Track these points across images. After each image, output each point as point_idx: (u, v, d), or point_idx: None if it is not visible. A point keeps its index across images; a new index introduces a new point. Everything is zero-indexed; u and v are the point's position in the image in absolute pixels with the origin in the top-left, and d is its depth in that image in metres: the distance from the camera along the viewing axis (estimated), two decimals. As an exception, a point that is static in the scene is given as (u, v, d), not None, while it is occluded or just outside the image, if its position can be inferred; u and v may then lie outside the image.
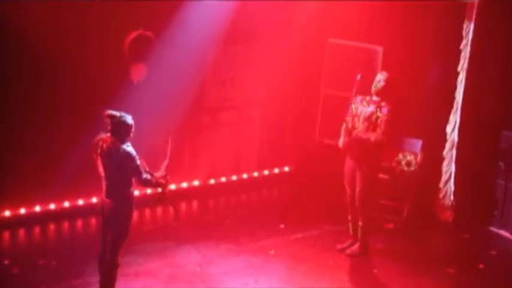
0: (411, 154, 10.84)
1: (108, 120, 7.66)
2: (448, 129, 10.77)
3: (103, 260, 7.87)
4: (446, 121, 10.77)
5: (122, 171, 7.67)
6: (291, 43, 11.29)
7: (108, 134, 7.68)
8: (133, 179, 7.73)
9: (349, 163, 9.52)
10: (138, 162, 7.63)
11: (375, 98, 9.23)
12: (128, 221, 7.81)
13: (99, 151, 7.70)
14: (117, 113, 7.65)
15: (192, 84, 10.81)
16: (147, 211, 10.75)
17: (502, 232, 10.65)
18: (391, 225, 10.62)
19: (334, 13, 11.10)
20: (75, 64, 9.67)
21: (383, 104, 9.15)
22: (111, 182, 7.73)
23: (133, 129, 7.72)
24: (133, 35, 10.07)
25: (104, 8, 9.72)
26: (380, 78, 9.25)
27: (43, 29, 9.34)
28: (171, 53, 10.34)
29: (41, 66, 9.57)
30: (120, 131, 7.67)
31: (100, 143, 7.70)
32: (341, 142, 9.35)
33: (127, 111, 7.77)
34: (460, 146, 10.71)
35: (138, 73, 10.23)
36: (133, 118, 7.75)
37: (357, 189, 9.44)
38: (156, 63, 10.28)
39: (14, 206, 10.00)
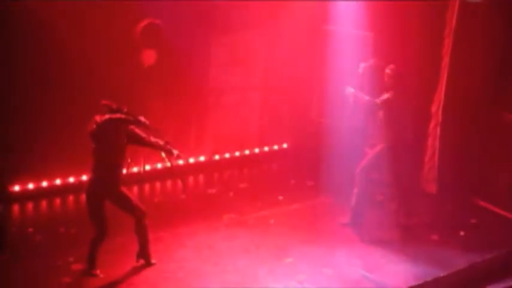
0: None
1: (106, 109, 8.02)
2: (433, 108, 10.91)
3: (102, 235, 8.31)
4: (431, 101, 10.92)
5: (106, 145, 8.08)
6: (288, 30, 11.45)
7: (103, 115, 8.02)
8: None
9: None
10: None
11: None
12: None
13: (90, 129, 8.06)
14: (113, 104, 8.03)
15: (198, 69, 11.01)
16: (158, 184, 10.96)
17: (481, 203, 10.84)
18: (381, 197, 10.69)
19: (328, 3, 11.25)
20: (92, 52, 9.87)
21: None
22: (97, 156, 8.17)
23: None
24: (143, 23, 10.28)
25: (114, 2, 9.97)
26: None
27: (59, 23, 9.60)
28: (178, 40, 10.54)
29: (62, 55, 9.76)
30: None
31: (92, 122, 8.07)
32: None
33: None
34: (444, 124, 10.81)
35: (149, 58, 10.43)
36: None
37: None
38: (164, 50, 10.47)
39: (37, 179, 10.24)
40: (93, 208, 8.25)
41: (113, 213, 8.39)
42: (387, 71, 9.53)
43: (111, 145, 8.13)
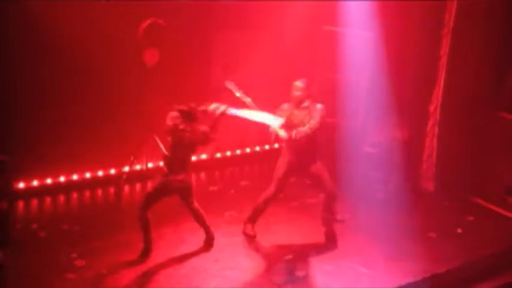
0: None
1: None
2: (431, 108, 10.91)
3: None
4: (429, 100, 10.92)
5: None
6: (289, 30, 11.44)
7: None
8: None
9: None
10: None
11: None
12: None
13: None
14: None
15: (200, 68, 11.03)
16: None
17: (478, 200, 10.91)
18: (380, 194, 10.71)
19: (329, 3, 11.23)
20: (93, 51, 9.82)
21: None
22: None
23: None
24: (146, 22, 10.23)
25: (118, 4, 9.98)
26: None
27: (60, 24, 9.54)
28: (180, 39, 10.57)
29: (63, 54, 9.71)
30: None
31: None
32: None
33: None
34: (442, 123, 10.85)
35: (151, 58, 10.38)
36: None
37: None
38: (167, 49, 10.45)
39: (41, 177, 10.22)
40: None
41: (116, 210, 8.33)
42: (297, 84, 9.37)
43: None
